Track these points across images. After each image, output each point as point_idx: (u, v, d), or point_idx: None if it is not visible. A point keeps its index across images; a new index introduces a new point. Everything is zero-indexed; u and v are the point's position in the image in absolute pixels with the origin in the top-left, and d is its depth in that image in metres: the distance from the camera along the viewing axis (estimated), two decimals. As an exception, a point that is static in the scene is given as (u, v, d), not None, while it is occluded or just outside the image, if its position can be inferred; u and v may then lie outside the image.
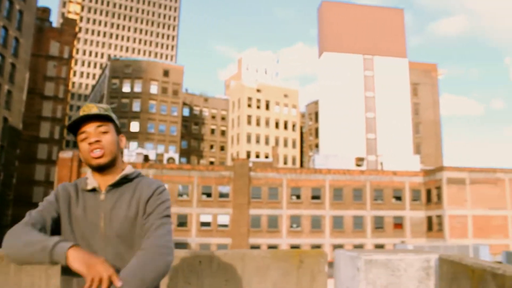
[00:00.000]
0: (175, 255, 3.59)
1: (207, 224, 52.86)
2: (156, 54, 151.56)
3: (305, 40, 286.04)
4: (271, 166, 60.33)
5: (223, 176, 53.73)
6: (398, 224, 56.40)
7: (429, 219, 56.02)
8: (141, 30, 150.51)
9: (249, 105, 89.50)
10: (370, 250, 3.51)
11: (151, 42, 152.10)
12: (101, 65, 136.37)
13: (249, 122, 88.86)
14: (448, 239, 51.72)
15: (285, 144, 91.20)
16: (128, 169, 2.19)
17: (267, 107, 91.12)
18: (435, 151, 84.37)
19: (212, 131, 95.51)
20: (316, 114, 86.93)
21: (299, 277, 3.54)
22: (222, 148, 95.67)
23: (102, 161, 2.10)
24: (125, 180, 2.16)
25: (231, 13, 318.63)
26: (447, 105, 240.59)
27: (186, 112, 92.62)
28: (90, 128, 2.11)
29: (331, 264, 4.02)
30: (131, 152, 61.37)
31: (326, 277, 3.57)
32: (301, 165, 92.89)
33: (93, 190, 2.13)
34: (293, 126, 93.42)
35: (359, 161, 69.50)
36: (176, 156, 66.56)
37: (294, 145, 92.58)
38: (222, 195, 53.54)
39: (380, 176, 57.08)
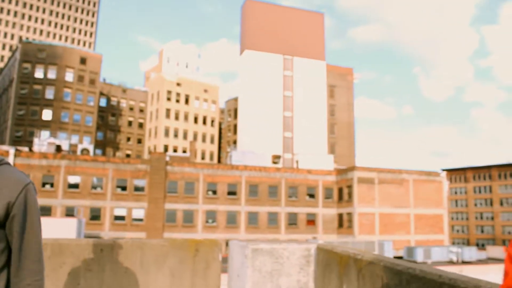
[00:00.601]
0: (77, 243, 3.76)
1: (121, 218, 51.83)
2: (73, 40, 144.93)
3: (229, 37, 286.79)
4: (188, 161, 60.23)
5: (139, 169, 52.91)
6: (311, 221, 58.45)
7: (340, 216, 58.54)
8: (57, 13, 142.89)
9: (169, 99, 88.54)
10: (258, 241, 3.89)
11: (68, 27, 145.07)
12: (10, 47, 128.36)
13: (167, 116, 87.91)
14: (357, 236, 54.40)
15: (204, 139, 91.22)
16: None
17: (187, 101, 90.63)
18: (349, 151, 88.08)
19: (130, 123, 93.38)
20: (236, 110, 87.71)
21: (195, 264, 3.84)
22: (139, 141, 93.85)
23: None
24: None
25: (156, 3, 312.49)
26: (361, 107, 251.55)
27: (103, 102, 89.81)
28: None
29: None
30: (42, 142, 58.58)
31: (220, 264, 3.90)
32: (219, 160, 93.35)
33: None
34: (212, 121, 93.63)
35: (276, 158, 71.07)
36: (91, 148, 64.37)
37: (212, 141, 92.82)
38: (137, 188, 52.71)
39: (295, 174, 58.82)
